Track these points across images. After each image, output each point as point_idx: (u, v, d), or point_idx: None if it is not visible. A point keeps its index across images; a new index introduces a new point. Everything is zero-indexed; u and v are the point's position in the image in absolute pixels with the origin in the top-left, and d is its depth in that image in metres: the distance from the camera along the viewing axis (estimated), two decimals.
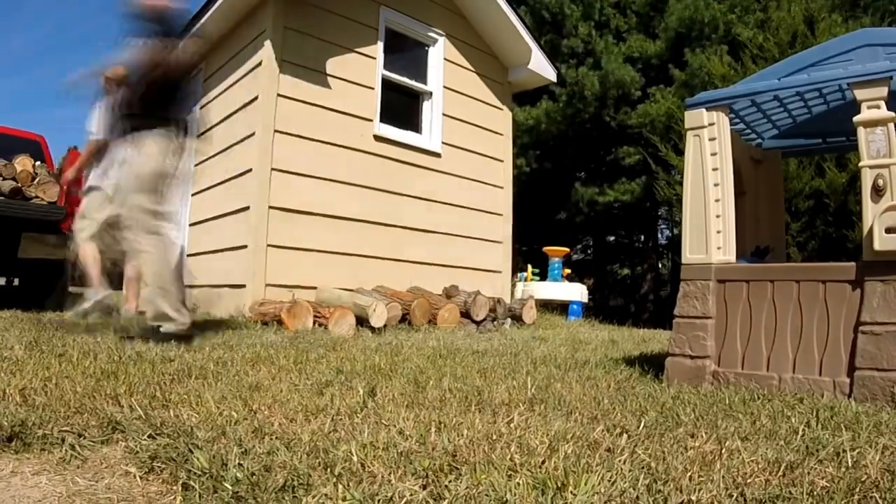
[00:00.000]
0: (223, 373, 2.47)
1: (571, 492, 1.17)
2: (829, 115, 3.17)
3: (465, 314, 5.70)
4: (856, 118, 2.40)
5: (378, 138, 6.21)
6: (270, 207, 5.41)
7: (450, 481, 1.23)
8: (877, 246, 2.29)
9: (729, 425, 1.81)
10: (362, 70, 6.16)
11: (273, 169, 5.45)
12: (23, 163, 5.79)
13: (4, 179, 5.58)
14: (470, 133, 7.15)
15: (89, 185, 4.58)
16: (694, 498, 1.17)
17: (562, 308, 8.35)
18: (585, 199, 15.43)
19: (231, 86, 6.16)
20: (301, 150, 5.64)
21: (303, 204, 5.58)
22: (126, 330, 3.76)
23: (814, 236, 8.70)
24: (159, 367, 2.48)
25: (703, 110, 2.80)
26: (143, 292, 4.25)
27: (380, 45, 6.35)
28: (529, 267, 9.31)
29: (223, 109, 6.24)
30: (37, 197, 5.78)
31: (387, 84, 6.42)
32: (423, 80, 6.88)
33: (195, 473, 1.28)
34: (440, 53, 6.96)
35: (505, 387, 2.37)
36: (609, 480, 1.23)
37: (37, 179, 5.84)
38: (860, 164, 2.40)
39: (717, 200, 2.74)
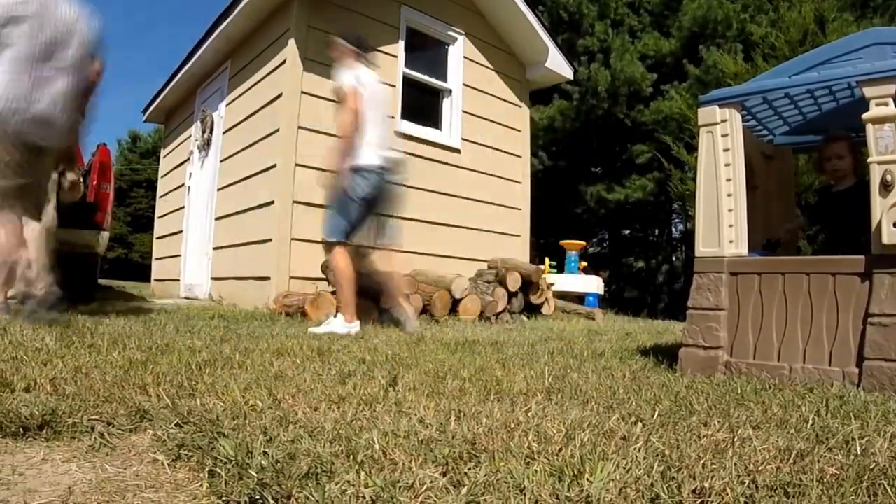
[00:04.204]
0: (248, 363, 2.48)
1: (588, 479, 1.18)
2: (838, 112, 3.18)
3: (485, 306, 5.78)
4: (864, 115, 2.43)
5: (399, 134, 6.30)
6: (294, 202, 5.53)
7: (469, 468, 1.24)
8: (885, 240, 2.33)
9: (741, 414, 1.83)
10: (384, 68, 6.23)
11: (297, 164, 5.57)
12: None
13: None
14: (489, 129, 7.23)
15: None
16: (707, 485, 1.17)
17: (578, 300, 8.41)
18: (596, 196, 15.45)
19: (256, 84, 6.28)
20: (324, 146, 5.74)
21: (326, 198, 5.68)
22: None
23: (823, 230, 8.65)
24: (186, 358, 2.49)
25: (716, 107, 2.83)
26: None
27: (401, 43, 6.44)
28: (547, 260, 9.34)
29: (248, 107, 6.37)
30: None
31: (408, 82, 6.53)
32: (444, 77, 6.97)
33: (221, 461, 1.29)
34: (460, 52, 7.03)
35: (523, 376, 2.40)
36: (624, 468, 1.24)
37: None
38: (869, 160, 2.43)
39: (729, 195, 2.78)
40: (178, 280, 7.98)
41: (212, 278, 6.87)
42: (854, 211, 2.71)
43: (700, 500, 1.15)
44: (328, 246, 4.22)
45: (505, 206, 7.34)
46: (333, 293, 5.05)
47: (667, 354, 3.13)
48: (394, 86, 6.33)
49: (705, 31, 13.73)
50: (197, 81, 8.07)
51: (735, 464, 1.30)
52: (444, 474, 1.23)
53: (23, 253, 3.38)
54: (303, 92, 5.64)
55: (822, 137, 3.29)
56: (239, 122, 6.60)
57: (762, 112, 3.22)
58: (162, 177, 10.00)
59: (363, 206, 4.20)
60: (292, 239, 5.51)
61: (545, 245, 15.41)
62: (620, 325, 5.97)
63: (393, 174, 4.35)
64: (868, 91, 2.44)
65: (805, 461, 1.35)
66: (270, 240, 5.55)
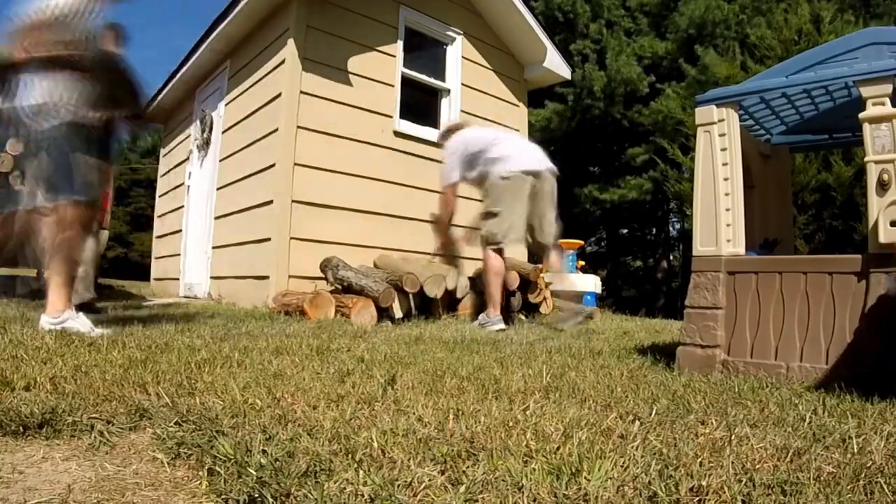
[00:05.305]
0: (247, 361, 2.48)
1: (585, 477, 1.19)
2: (835, 111, 3.18)
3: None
4: (861, 115, 2.43)
5: (398, 134, 6.30)
6: (293, 201, 5.53)
7: (467, 467, 1.25)
8: (882, 238, 2.33)
9: (738, 413, 1.83)
10: (383, 68, 6.26)
11: (296, 164, 5.57)
12: None
13: None
14: None
15: None
16: (704, 483, 1.18)
17: (576, 299, 8.41)
18: (593, 196, 15.49)
19: (255, 84, 6.27)
20: (323, 145, 5.75)
21: (325, 198, 5.69)
22: None
23: (820, 228, 8.68)
24: (185, 356, 2.49)
25: (714, 107, 2.84)
26: None
27: (399, 43, 6.43)
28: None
29: (247, 107, 6.37)
30: None
31: (406, 81, 6.51)
32: (442, 77, 6.96)
33: (220, 459, 1.30)
34: (458, 52, 7.03)
35: (521, 375, 2.40)
36: (622, 466, 1.25)
37: None
38: (865, 159, 2.43)
39: (726, 194, 2.78)
40: (178, 279, 7.99)
41: (211, 277, 6.87)
42: None
43: (697, 499, 1.15)
44: None
45: None
46: (332, 292, 5.06)
47: (664, 353, 3.13)
48: (392, 85, 6.34)
49: (702, 32, 13.78)
50: (196, 81, 8.06)
51: (732, 462, 1.31)
52: (443, 472, 1.23)
53: None
54: (302, 92, 5.63)
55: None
56: (238, 122, 6.60)
57: (759, 111, 3.22)
58: (161, 176, 9.99)
59: None
60: (291, 238, 5.51)
61: None
62: (618, 324, 5.96)
63: None
64: (865, 90, 2.44)
65: (802, 459, 1.36)
66: (269, 239, 5.56)
